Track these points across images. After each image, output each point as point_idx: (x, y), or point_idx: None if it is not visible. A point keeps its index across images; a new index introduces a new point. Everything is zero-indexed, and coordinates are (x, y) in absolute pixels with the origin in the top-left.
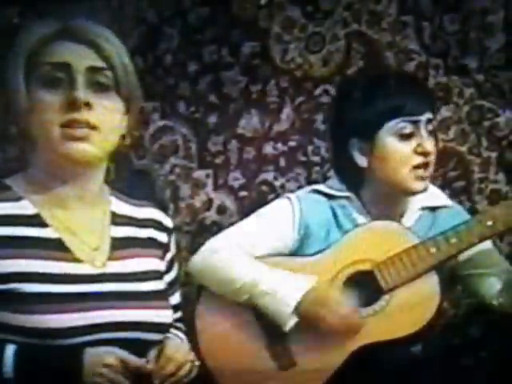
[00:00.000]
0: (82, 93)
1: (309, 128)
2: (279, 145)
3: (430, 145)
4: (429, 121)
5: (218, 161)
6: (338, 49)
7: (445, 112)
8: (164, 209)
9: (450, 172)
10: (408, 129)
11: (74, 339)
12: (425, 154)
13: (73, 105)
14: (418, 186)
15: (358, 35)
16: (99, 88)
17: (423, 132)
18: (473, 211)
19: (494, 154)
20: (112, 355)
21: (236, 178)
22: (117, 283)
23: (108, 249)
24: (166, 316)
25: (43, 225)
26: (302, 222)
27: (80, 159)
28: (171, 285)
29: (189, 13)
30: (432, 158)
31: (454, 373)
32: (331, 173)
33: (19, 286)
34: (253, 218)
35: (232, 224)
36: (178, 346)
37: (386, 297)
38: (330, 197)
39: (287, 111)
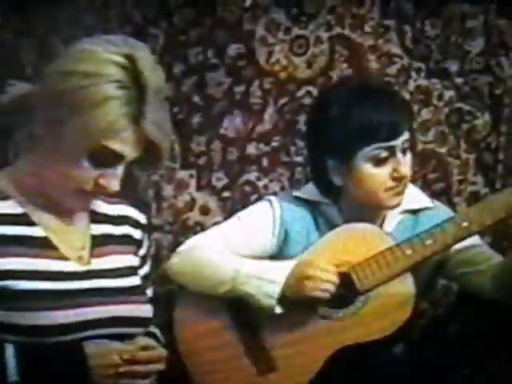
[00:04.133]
0: None
1: (291, 129)
2: (262, 145)
3: (404, 168)
4: (405, 141)
5: (201, 161)
6: (322, 51)
7: (425, 114)
8: (147, 209)
9: (429, 174)
10: (383, 154)
11: (65, 337)
12: (400, 178)
13: None
14: (393, 202)
15: (342, 38)
16: None
17: (399, 155)
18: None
19: (472, 156)
20: (111, 353)
21: (219, 179)
22: (99, 279)
23: (89, 246)
24: (147, 310)
25: (31, 224)
26: (282, 227)
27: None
28: (144, 280)
29: (174, 14)
30: (407, 178)
31: (435, 373)
32: None
33: (9, 284)
34: (233, 221)
35: (215, 224)
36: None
37: (362, 298)
38: (310, 203)
39: (270, 112)
